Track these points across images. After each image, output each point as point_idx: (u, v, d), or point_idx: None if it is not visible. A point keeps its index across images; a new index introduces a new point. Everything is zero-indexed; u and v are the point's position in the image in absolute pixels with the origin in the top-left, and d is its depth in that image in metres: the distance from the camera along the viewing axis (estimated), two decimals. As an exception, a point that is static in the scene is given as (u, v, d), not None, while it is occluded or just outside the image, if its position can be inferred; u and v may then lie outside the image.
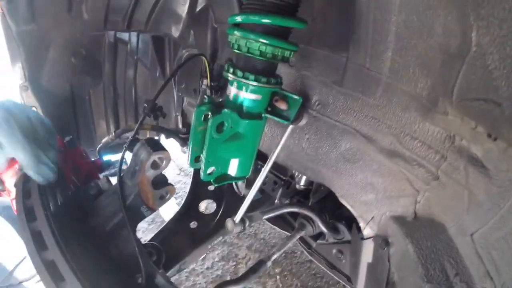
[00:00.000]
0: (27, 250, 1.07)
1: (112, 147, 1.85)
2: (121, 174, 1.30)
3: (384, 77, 1.04)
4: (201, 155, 1.15)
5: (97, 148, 1.78)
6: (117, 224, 1.27)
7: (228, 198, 2.40)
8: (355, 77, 1.14)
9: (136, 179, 1.25)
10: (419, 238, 1.04)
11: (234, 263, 3.15)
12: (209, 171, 1.18)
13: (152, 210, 1.33)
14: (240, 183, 2.19)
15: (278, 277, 3.04)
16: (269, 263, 1.56)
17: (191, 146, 1.14)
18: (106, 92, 2.50)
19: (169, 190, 1.35)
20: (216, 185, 1.25)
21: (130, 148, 1.31)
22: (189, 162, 1.18)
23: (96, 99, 2.49)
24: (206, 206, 2.51)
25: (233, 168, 1.24)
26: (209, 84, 1.60)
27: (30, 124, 1.24)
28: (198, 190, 2.42)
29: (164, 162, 1.26)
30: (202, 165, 1.15)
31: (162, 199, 1.35)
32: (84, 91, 2.41)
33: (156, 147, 1.24)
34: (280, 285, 2.98)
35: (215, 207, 2.45)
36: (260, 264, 1.55)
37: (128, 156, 1.35)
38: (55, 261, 1.05)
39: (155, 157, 1.22)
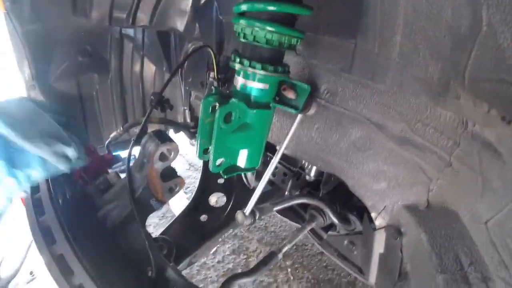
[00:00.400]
0: (36, 244, 1.07)
1: (121, 144, 1.85)
2: (130, 167, 1.30)
3: (394, 63, 1.02)
4: (209, 147, 1.14)
5: (106, 143, 1.78)
6: (127, 217, 1.27)
7: (238, 191, 2.40)
8: (364, 63, 1.12)
9: (144, 171, 1.25)
10: (433, 227, 1.02)
11: (245, 256, 3.15)
12: (218, 162, 1.17)
13: (162, 202, 1.33)
14: (249, 175, 2.18)
15: (289, 269, 3.04)
16: (280, 255, 1.55)
17: (199, 138, 1.13)
18: (113, 89, 2.50)
19: (178, 182, 1.35)
20: (225, 177, 1.24)
21: (138, 141, 1.31)
22: (197, 154, 1.17)
23: (104, 95, 2.49)
24: (216, 200, 2.51)
25: (242, 159, 1.23)
26: (215, 76, 1.59)
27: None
28: (207, 183, 2.43)
29: (172, 153, 1.25)
30: (211, 156, 1.14)
31: (171, 192, 1.34)
32: (91, 88, 2.41)
33: (164, 138, 1.23)
34: (291, 278, 2.97)
35: (225, 200, 2.45)
36: (271, 256, 1.54)
37: (137, 150, 1.34)
38: (64, 254, 1.05)
39: (163, 148, 1.22)
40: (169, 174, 1.33)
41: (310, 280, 2.97)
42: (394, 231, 1.18)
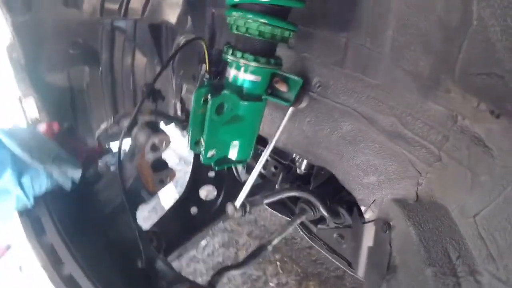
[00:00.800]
0: (25, 234, 1.07)
1: (111, 136, 1.84)
2: (121, 158, 1.30)
3: (385, 57, 1.02)
4: (201, 139, 1.14)
5: (96, 135, 1.77)
6: (117, 208, 1.27)
7: (228, 184, 2.40)
8: (356, 57, 1.13)
9: (135, 162, 1.25)
10: (421, 221, 1.03)
11: (235, 249, 3.16)
12: (209, 154, 1.17)
13: (152, 193, 1.33)
14: (240, 168, 2.18)
15: (278, 263, 3.05)
16: (269, 248, 1.56)
17: (191, 129, 1.12)
18: (103, 81, 2.48)
19: (169, 174, 1.35)
20: (216, 169, 1.24)
21: (129, 132, 1.30)
22: (189, 146, 1.17)
23: (94, 87, 2.47)
24: (207, 194, 2.51)
25: (233, 151, 1.23)
26: (207, 68, 1.58)
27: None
28: (198, 176, 2.42)
29: (164, 144, 1.25)
30: (202, 148, 1.13)
31: (162, 183, 1.34)
32: (82, 80, 2.39)
33: (155, 129, 1.23)
34: (280, 271, 2.98)
35: (215, 193, 2.45)
36: (260, 248, 1.55)
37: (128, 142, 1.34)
38: (53, 244, 1.05)
39: (154, 139, 1.21)
40: (160, 166, 1.33)
41: (299, 273, 2.99)
42: (383, 225, 1.19)
